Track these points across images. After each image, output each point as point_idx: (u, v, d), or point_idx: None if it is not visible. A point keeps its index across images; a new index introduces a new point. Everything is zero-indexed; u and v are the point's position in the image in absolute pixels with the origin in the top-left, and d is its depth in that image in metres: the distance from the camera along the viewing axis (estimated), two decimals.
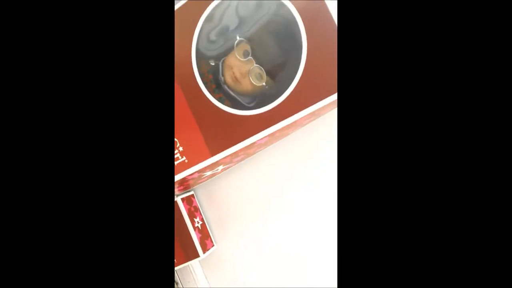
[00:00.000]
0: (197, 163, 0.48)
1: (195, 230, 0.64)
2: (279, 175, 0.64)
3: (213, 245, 0.69)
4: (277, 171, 0.64)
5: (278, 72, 0.45)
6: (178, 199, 0.63)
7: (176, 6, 0.47)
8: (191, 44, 0.47)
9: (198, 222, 0.67)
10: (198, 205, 0.70)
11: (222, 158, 0.48)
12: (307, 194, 0.62)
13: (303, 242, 0.64)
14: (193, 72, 0.47)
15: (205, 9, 0.46)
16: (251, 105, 0.47)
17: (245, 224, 0.68)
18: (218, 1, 0.45)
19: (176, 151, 0.49)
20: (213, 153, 0.47)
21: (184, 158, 0.49)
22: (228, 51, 0.47)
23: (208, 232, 0.69)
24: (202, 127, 0.48)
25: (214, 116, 0.47)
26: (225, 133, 0.46)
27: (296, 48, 0.42)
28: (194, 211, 0.67)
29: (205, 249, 0.65)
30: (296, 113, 0.43)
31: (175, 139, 0.49)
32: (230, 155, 0.47)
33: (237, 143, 0.46)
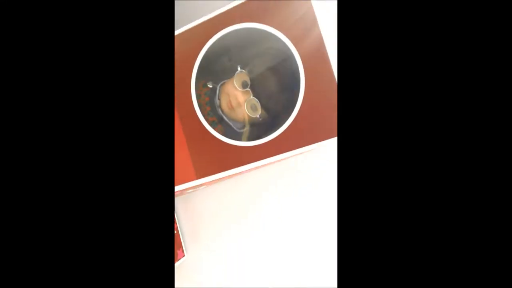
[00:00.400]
0: (182, 183, 0.49)
1: None
2: (261, 189, 0.66)
3: (184, 255, 0.69)
4: (259, 185, 0.66)
5: (273, 108, 0.46)
6: None
7: (190, 26, 0.48)
8: (194, 64, 0.47)
9: None
10: (175, 213, 0.70)
11: (207, 182, 0.48)
12: (287, 210, 0.64)
13: (279, 259, 0.66)
14: (190, 91, 0.48)
15: (215, 34, 0.46)
16: (242, 130, 0.48)
17: (219, 236, 0.69)
18: (228, 30, 0.45)
19: None
20: (199, 176, 0.48)
21: None
22: (228, 77, 0.48)
23: (180, 241, 0.69)
24: (191, 148, 0.48)
25: (205, 140, 0.47)
26: (213, 159, 0.47)
27: (294, 89, 0.43)
28: None
29: (176, 260, 0.65)
30: (285, 151, 0.44)
31: None
32: (216, 180, 0.48)
33: (225, 170, 0.46)
